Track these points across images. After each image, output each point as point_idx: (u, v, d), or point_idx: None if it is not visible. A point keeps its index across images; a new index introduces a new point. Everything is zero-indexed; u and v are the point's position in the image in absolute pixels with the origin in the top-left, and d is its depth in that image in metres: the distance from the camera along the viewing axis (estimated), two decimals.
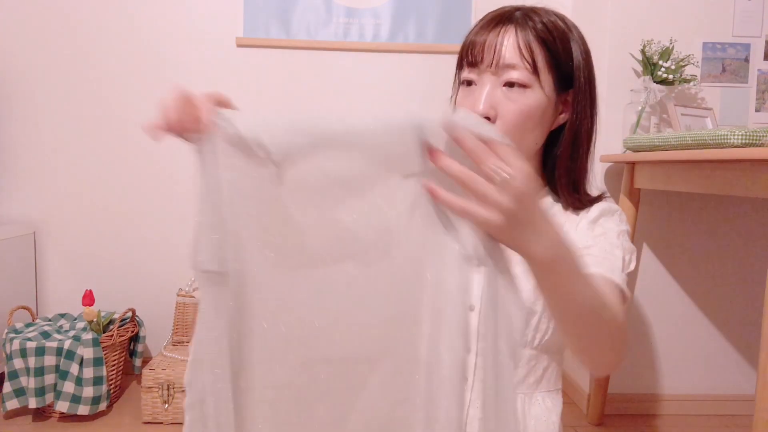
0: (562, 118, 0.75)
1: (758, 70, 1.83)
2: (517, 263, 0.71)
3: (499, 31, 0.70)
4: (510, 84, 0.70)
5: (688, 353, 1.90)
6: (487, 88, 0.70)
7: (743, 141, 1.15)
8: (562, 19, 0.74)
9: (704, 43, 1.81)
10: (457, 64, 0.76)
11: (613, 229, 0.74)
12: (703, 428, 1.83)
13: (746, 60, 1.82)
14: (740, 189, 1.20)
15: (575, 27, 0.75)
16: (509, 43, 0.70)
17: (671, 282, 1.88)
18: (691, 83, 1.76)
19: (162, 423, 1.68)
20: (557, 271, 0.50)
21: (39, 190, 2.04)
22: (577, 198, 0.77)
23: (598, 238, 0.73)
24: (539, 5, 0.75)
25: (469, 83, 0.73)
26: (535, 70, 0.70)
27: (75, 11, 1.98)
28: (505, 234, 0.47)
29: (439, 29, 2.05)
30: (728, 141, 1.17)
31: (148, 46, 2.01)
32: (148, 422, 1.69)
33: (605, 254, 0.71)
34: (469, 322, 0.74)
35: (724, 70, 1.83)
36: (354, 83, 2.06)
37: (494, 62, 0.70)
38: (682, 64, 1.69)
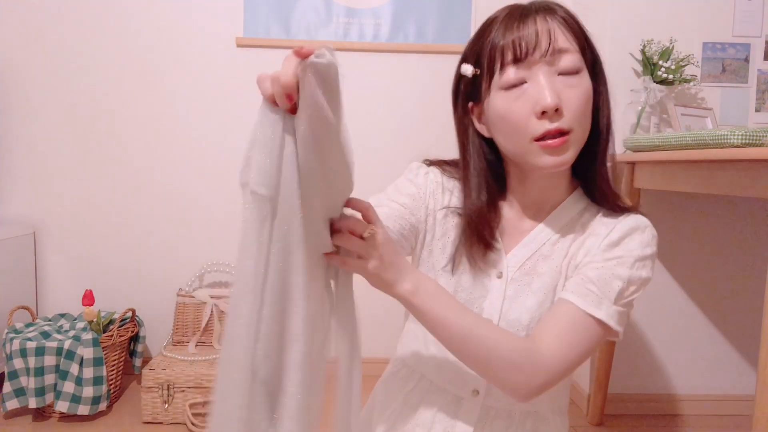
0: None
1: (758, 70, 1.83)
2: (534, 292, 0.74)
3: (535, 21, 0.65)
4: (564, 72, 0.65)
5: (688, 353, 1.90)
6: (547, 79, 0.65)
7: (743, 141, 1.15)
8: None
9: (704, 43, 1.81)
10: (486, 72, 0.69)
11: (631, 255, 0.69)
12: (703, 428, 1.83)
13: (746, 60, 1.82)
14: (740, 189, 1.20)
15: None
16: (555, 29, 0.65)
17: (671, 282, 1.88)
18: (691, 83, 1.76)
19: (162, 423, 1.68)
20: (423, 300, 0.62)
21: (39, 190, 2.04)
22: (614, 197, 0.73)
23: (608, 263, 0.69)
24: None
25: (515, 85, 0.66)
26: (583, 53, 0.67)
27: (74, 12, 1.98)
28: (376, 277, 0.60)
29: (439, 29, 2.05)
30: (728, 141, 1.17)
31: (148, 46, 2.01)
32: (148, 422, 1.69)
33: (600, 284, 0.67)
34: None
35: (724, 70, 1.83)
36: (354, 83, 2.06)
37: (549, 50, 0.64)
38: (682, 64, 1.69)
